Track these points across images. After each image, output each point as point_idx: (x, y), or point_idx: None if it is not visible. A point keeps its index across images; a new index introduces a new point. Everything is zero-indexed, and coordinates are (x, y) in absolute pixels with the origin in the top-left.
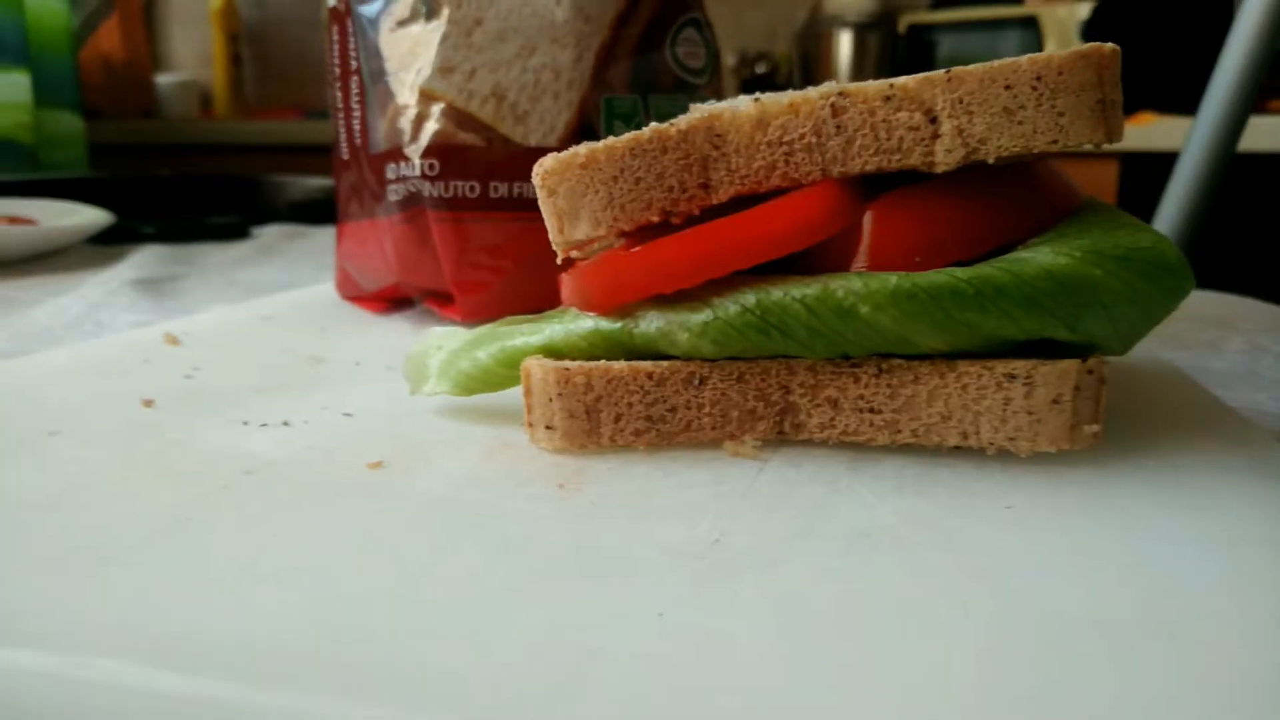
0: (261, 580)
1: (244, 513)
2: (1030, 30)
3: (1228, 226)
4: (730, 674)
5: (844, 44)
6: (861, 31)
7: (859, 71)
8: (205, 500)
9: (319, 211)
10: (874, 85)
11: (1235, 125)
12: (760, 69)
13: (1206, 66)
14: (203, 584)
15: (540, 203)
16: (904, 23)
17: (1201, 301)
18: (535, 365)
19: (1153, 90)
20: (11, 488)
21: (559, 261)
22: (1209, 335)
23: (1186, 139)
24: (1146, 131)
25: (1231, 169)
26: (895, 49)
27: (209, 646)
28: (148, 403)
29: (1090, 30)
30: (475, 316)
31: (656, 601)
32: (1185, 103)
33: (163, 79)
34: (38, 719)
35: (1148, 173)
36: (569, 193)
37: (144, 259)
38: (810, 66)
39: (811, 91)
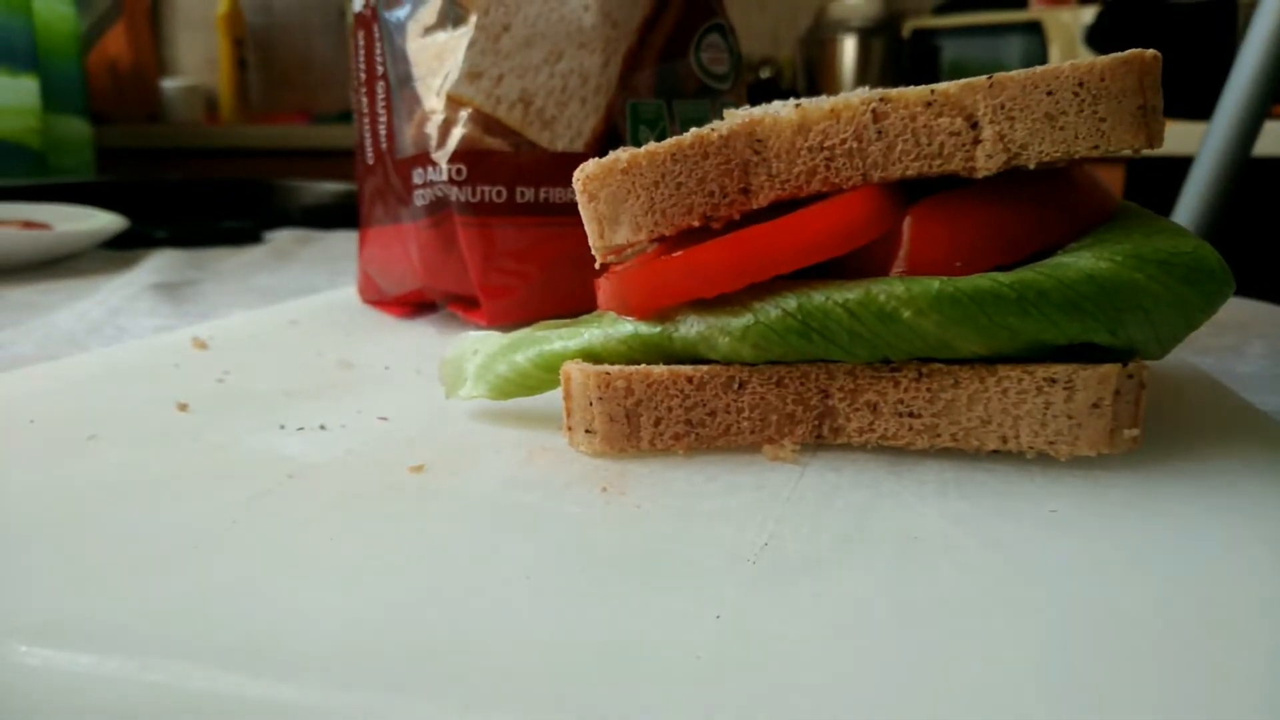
0: (318, 583)
1: (292, 516)
2: (1034, 35)
3: (1242, 232)
4: (793, 676)
5: (848, 49)
6: (865, 37)
7: (863, 77)
8: (252, 504)
9: (330, 216)
10: (915, 91)
11: (1250, 131)
12: (764, 74)
13: (1211, 71)
14: (261, 587)
15: (581, 207)
16: (908, 28)
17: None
18: (575, 369)
19: None
20: (59, 491)
21: (597, 266)
22: (1230, 340)
23: (1201, 144)
24: None
25: (1245, 174)
26: (900, 54)
27: (274, 649)
28: (182, 407)
29: (1094, 35)
30: (500, 321)
31: (712, 604)
32: (1190, 107)
33: (168, 84)
34: None
35: (1153, 177)
36: (610, 198)
37: (159, 264)
38: (814, 72)
39: (853, 97)
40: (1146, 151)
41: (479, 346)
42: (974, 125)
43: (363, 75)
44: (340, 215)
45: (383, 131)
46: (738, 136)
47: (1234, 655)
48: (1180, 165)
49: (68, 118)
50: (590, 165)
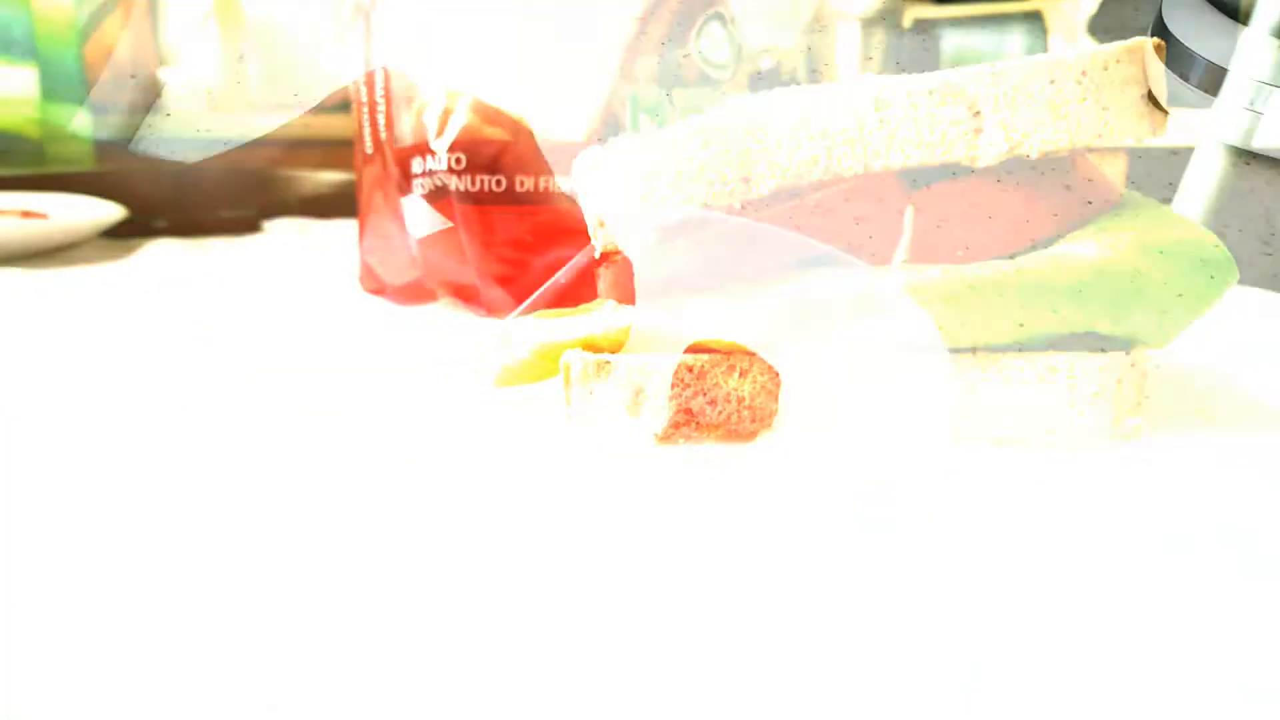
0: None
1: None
2: (1036, 25)
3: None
4: (793, 669)
5: (849, 38)
6: (867, 26)
7: (864, 66)
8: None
9: (330, 205)
10: (917, 79)
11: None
12: (765, 63)
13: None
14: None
15: (580, 197)
16: (909, 17)
17: None
18: (575, 358)
19: None
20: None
21: (597, 255)
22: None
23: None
24: None
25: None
26: (900, 44)
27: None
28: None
29: (1097, 25)
30: (500, 310)
31: (720, 594)
32: (1194, 98)
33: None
34: None
35: (1156, 169)
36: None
37: (159, 253)
38: (815, 61)
39: (855, 85)
40: (1152, 141)
41: (479, 336)
42: (976, 114)
43: (361, 64)
44: (340, 204)
45: (381, 120)
46: (738, 125)
47: (1233, 653)
48: (1183, 155)
49: (66, 107)
50: (590, 154)
